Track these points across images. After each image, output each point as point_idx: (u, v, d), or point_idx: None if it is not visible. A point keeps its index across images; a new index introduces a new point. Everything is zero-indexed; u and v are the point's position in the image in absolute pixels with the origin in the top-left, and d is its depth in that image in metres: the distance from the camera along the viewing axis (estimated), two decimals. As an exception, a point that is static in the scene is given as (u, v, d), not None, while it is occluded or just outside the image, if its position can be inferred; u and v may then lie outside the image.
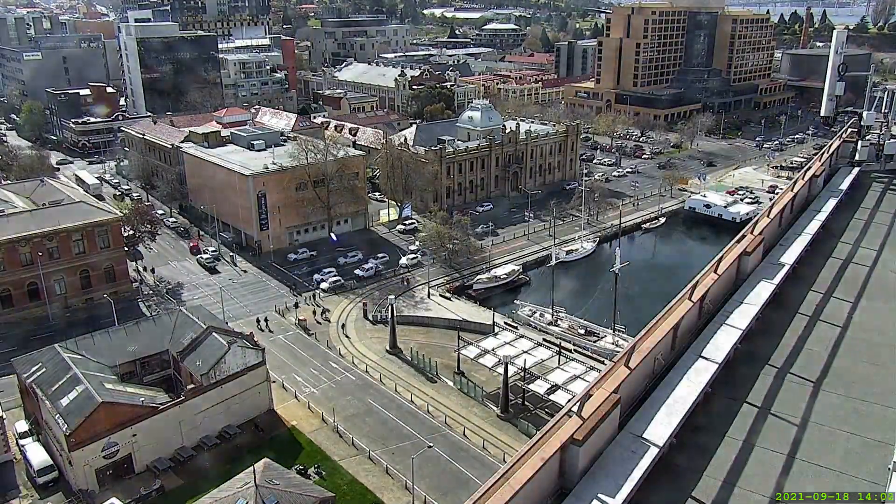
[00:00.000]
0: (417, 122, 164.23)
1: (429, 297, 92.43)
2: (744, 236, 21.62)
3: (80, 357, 62.75)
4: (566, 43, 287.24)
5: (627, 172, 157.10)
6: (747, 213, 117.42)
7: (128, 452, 57.85)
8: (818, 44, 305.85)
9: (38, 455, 59.24)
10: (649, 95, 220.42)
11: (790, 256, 22.11)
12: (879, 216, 27.13)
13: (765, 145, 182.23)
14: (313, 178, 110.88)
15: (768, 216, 23.68)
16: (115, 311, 79.37)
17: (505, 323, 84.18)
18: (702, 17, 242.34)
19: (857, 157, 33.06)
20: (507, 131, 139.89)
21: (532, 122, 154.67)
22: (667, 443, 13.55)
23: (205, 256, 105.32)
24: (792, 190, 26.58)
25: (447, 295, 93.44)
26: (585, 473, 12.69)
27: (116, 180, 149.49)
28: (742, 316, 18.30)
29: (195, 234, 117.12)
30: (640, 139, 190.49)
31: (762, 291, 19.64)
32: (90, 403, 55.83)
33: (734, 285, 20.34)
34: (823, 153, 32.10)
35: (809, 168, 29.87)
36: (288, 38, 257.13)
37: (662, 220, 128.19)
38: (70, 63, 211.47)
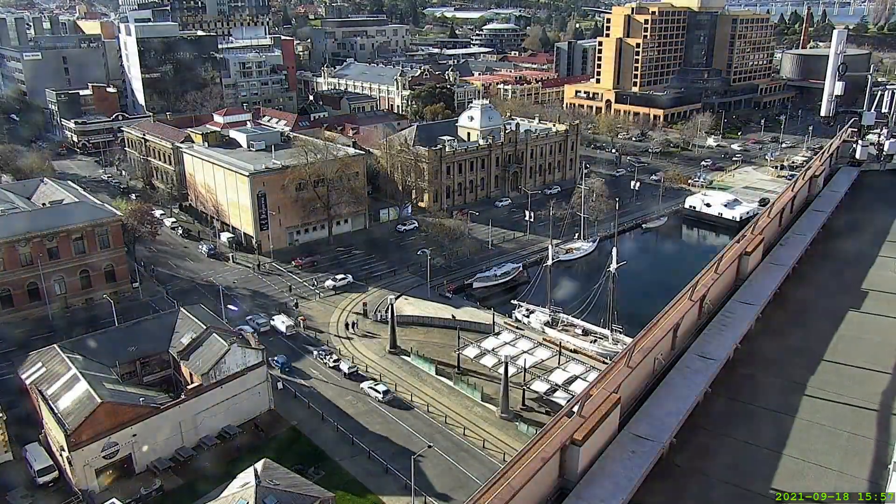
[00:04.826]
0: (417, 122, 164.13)
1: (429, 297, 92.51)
2: (744, 236, 21.59)
3: (80, 357, 62.75)
4: (566, 43, 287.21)
5: (627, 172, 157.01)
6: (747, 213, 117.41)
7: (128, 452, 57.85)
8: (820, 44, 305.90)
9: (38, 455, 59.26)
10: (649, 95, 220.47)
11: (790, 256, 22.08)
12: (879, 216, 27.10)
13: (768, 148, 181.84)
14: (313, 178, 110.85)
15: (768, 216, 23.65)
16: (114, 311, 79.37)
17: (505, 323, 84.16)
18: (702, 17, 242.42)
19: (857, 157, 33.00)
20: (506, 131, 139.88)
21: (532, 121, 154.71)
22: (667, 443, 13.54)
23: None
24: (792, 190, 26.53)
25: (447, 294, 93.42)
26: (585, 473, 12.67)
27: (116, 180, 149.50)
28: (742, 316, 18.28)
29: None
30: (641, 139, 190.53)
31: (762, 291, 19.62)
32: (90, 403, 55.81)
33: (734, 285, 20.31)
34: (823, 153, 32.05)
35: (809, 168, 29.83)
36: (288, 38, 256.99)
37: (663, 219, 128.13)
38: (70, 63, 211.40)
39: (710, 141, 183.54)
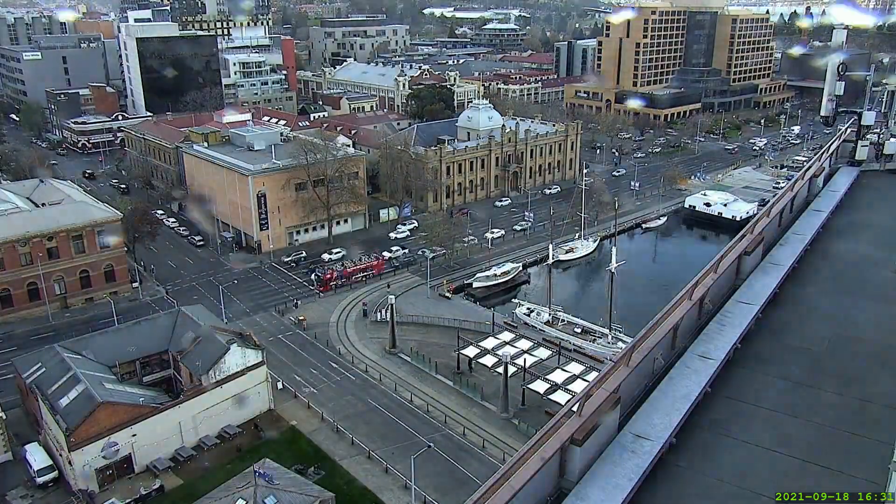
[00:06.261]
0: (417, 122, 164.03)
1: (429, 296, 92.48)
2: (744, 236, 21.55)
3: (80, 357, 62.74)
4: (566, 43, 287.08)
5: (627, 172, 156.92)
6: (747, 212, 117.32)
7: (128, 452, 57.86)
8: (817, 43, 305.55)
9: (38, 455, 59.26)
10: (649, 95, 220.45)
11: (790, 256, 22.06)
12: (879, 216, 27.09)
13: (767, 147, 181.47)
14: (313, 178, 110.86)
15: (768, 216, 23.61)
16: (114, 311, 79.38)
17: (504, 323, 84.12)
18: (702, 17, 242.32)
19: (857, 157, 32.96)
20: (506, 131, 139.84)
21: (532, 121, 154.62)
22: (667, 443, 13.53)
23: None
24: (792, 190, 26.50)
25: (447, 294, 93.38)
26: (585, 473, 12.66)
27: (115, 180, 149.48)
28: (742, 316, 18.26)
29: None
30: (640, 139, 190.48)
31: (762, 291, 19.59)
32: (90, 403, 55.82)
33: (734, 285, 20.29)
34: (823, 153, 32.01)
35: (809, 168, 29.79)
36: (288, 38, 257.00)
37: (663, 219, 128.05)
38: (70, 63, 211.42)
39: (703, 143, 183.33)
